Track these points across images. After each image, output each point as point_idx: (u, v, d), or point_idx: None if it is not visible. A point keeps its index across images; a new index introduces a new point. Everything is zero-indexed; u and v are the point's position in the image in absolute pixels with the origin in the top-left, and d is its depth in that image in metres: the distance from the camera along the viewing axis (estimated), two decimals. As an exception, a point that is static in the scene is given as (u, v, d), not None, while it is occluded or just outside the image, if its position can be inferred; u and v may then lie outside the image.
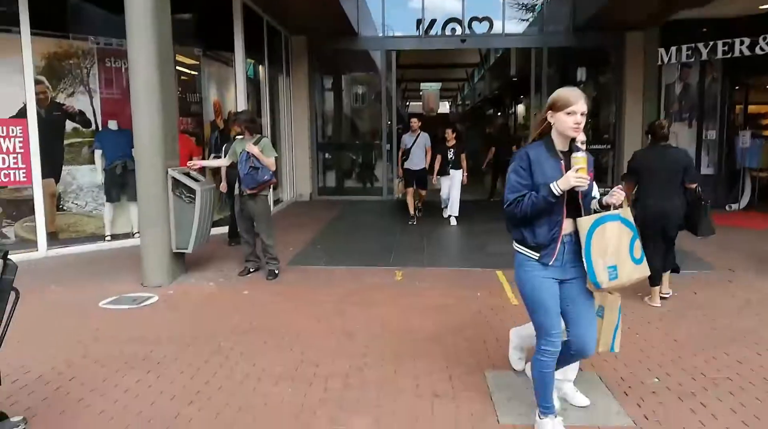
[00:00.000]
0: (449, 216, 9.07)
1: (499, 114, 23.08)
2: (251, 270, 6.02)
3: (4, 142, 6.52)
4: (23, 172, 6.68)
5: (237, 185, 5.87)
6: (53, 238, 6.99)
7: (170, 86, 5.73)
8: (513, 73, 16.21)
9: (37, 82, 6.69)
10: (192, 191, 5.58)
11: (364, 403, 3.17)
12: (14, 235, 6.77)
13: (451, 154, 8.94)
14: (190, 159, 6.21)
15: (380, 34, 12.79)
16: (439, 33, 12.21)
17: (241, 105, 8.57)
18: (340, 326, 4.41)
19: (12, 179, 6.63)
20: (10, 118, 6.57)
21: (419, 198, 9.44)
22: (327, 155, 13.30)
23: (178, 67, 7.20)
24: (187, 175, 5.71)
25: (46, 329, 4.35)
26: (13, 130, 6.56)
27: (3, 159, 6.53)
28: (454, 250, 7.55)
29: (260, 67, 10.07)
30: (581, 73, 13.43)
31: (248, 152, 5.65)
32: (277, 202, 10.78)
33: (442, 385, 3.37)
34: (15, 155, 6.60)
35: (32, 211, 6.79)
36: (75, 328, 4.35)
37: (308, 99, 12.28)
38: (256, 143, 5.73)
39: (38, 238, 6.83)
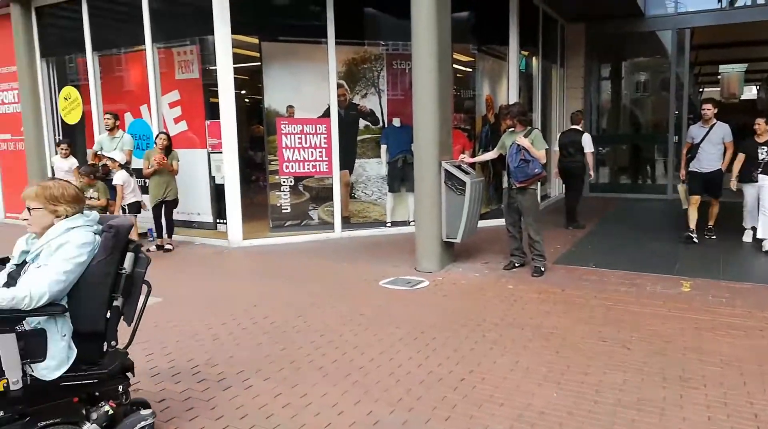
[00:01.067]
0: (760, 240, 6.49)
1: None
2: (516, 265, 5.96)
3: (313, 138, 7.71)
4: (326, 164, 7.80)
5: (506, 178, 5.86)
6: (346, 221, 8.02)
7: (447, 84, 6.01)
8: None
9: (338, 86, 7.72)
10: (463, 183, 5.76)
11: (642, 426, 2.83)
12: (317, 218, 7.97)
13: (763, 154, 6.60)
14: (463, 153, 6.42)
15: (671, 11, 11.31)
16: (748, 3, 10.23)
17: (513, 99, 8.53)
18: (613, 335, 4.05)
19: (318, 170, 7.80)
20: (317, 117, 7.74)
21: (711, 212, 7.13)
22: (601, 149, 12.38)
23: (454, 65, 7.50)
24: (459, 167, 5.92)
25: (336, 297, 4.99)
26: (319, 128, 7.71)
27: (311, 153, 7.74)
28: (764, 264, 6.24)
29: (533, 59, 9.88)
30: None
31: (518, 145, 5.59)
32: (544, 197, 10.48)
33: (744, 425, 2.81)
34: (320, 150, 7.75)
35: (331, 198, 7.89)
36: (359, 301, 4.90)
37: (583, 90, 11.60)
38: (526, 135, 5.63)
39: (335, 221, 7.91)
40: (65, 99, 8.94)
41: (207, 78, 7.66)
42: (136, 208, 6.87)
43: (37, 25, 8.97)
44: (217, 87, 7.28)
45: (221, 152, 7.41)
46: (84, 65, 8.68)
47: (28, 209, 2.42)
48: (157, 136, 7.18)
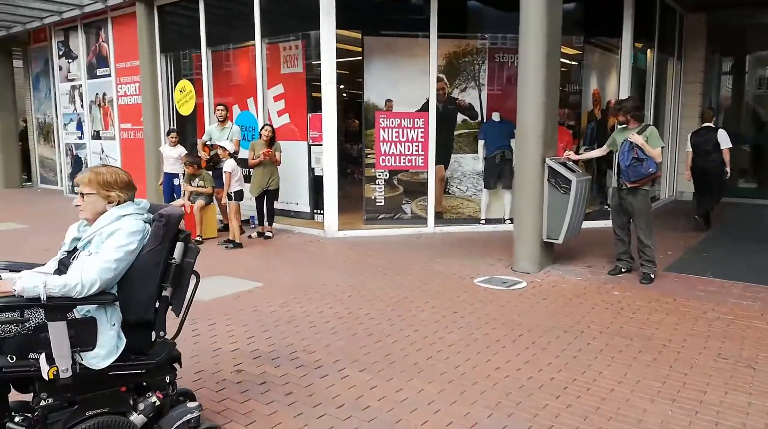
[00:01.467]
0: None
1: None
2: (623, 270, 5.60)
3: (410, 132, 7.69)
4: (421, 159, 7.75)
5: (615, 177, 5.51)
6: (439, 217, 7.94)
7: (555, 78, 5.74)
8: None
9: (438, 80, 7.63)
10: (567, 181, 5.49)
11: (774, 455, 2.53)
12: (410, 212, 7.95)
13: None
14: (567, 150, 6.13)
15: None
16: None
17: (624, 93, 8.02)
18: (734, 352, 3.68)
19: (413, 164, 7.77)
20: (415, 111, 7.70)
21: None
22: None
23: (560, 58, 7.18)
24: (564, 165, 5.64)
25: (429, 293, 4.93)
26: (417, 122, 7.67)
27: (408, 147, 7.72)
28: None
29: (648, 51, 9.24)
30: None
31: (631, 142, 5.23)
32: (653, 199, 9.78)
33: None
34: (417, 144, 7.71)
35: (425, 193, 7.83)
36: (453, 298, 4.81)
37: (702, 85, 10.70)
38: (640, 132, 5.26)
39: (428, 216, 7.86)
40: (180, 91, 9.54)
41: (310, 72, 7.86)
42: (239, 195, 7.20)
43: (158, 22, 9.62)
44: (319, 81, 7.45)
45: (321, 145, 7.57)
46: (198, 60, 9.21)
47: (81, 195, 2.41)
48: (263, 127, 7.47)
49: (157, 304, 2.41)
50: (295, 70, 8.06)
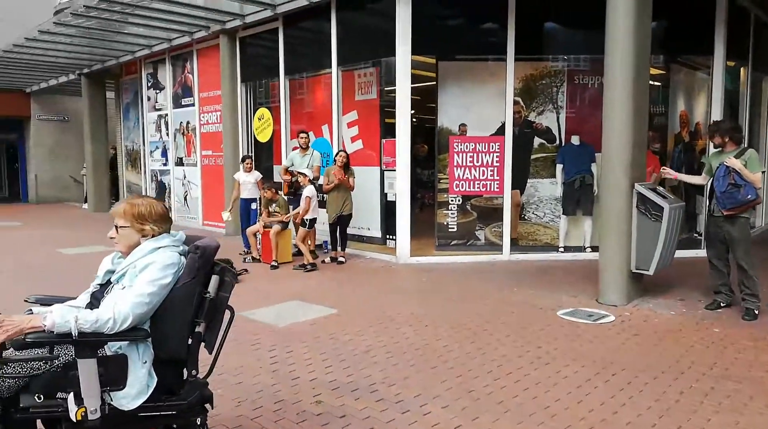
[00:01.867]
0: None
1: None
2: (722, 304, 5.16)
3: (485, 156, 7.53)
4: (497, 184, 7.57)
5: (707, 204, 5.12)
6: (514, 243, 7.68)
7: (643, 99, 5.44)
8: None
9: (514, 103, 7.47)
10: (659, 209, 5.15)
11: None
12: (484, 238, 7.74)
13: None
14: (662, 167, 5.76)
15: None
16: None
17: (716, 115, 7.53)
18: None
19: (488, 189, 7.60)
20: (490, 135, 7.55)
21: None
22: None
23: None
24: (654, 191, 5.31)
25: (510, 324, 4.71)
26: (492, 146, 7.52)
27: (482, 171, 7.56)
28: None
29: (741, 70, 8.67)
30: None
31: (727, 166, 4.84)
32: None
33: None
34: (492, 168, 7.54)
35: (500, 219, 7.62)
36: (535, 331, 4.57)
37: (802, 104, 9.92)
38: (738, 156, 4.87)
39: (503, 242, 7.63)
40: (259, 119, 9.86)
41: (384, 98, 7.91)
42: (312, 222, 7.27)
43: (239, 53, 10.05)
44: (392, 107, 7.47)
45: (394, 170, 7.56)
46: (275, 88, 9.51)
47: (116, 227, 2.34)
48: (337, 153, 7.55)
49: (189, 341, 2.28)
50: (369, 97, 8.13)
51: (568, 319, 4.94)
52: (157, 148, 12.68)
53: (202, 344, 2.32)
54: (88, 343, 2.03)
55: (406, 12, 7.16)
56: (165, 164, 12.42)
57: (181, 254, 2.32)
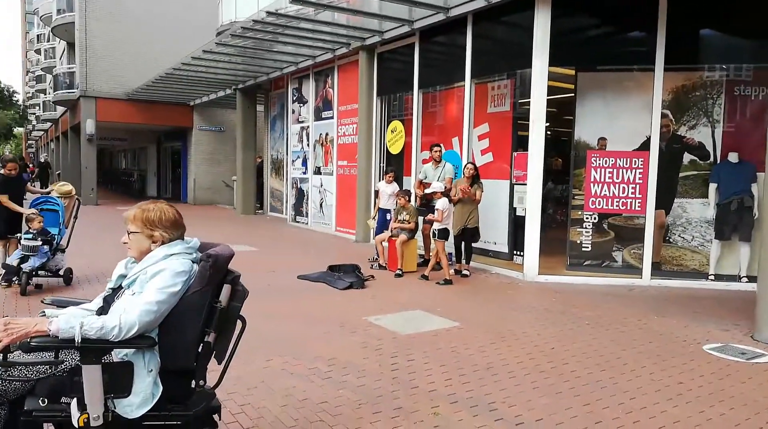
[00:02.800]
0: None
1: None
2: None
3: (626, 172, 7.06)
4: (638, 202, 7.05)
5: None
6: (656, 268, 7.10)
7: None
8: None
9: (662, 116, 6.92)
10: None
11: None
12: (621, 260, 7.24)
13: None
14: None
15: None
16: None
17: None
18: None
19: (628, 208, 7.11)
20: (633, 150, 7.06)
21: None
22: None
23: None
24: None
25: (647, 355, 4.35)
26: (635, 161, 7.03)
27: (623, 188, 7.09)
28: None
29: None
30: None
31: None
32: None
33: None
34: (633, 186, 7.05)
35: (641, 240, 7.08)
36: (677, 366, 4.17)
37: None
38: None
39: (643, 266, 7.07)
40: (392, 131, 10.15)
41: (517, 111, 7.75)
42: (444, 233, 7.29)
43: (377, 67, 10.44)
44: (525, 120, 7.29)
45: (525, 184, 7.36)
46: (410, 101, 9.73)
47: (128, 232, 2.31)
48: (465, 166, 7.52)
49: (199, 351, 2.24)
50: (502, 109, 8.02)
51: (716, 355, 4.45)
52: (298, 157, 13.55)
53: (212, 354, 2.29)
54: (93, 349, 2.01)
55: (544, 23, 6.97)
56: (304, 173, 13.23)
57: (194, 262, 2.28)
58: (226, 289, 2.26)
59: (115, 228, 13.20)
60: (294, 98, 13.65)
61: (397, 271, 7.51)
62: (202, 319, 2.20)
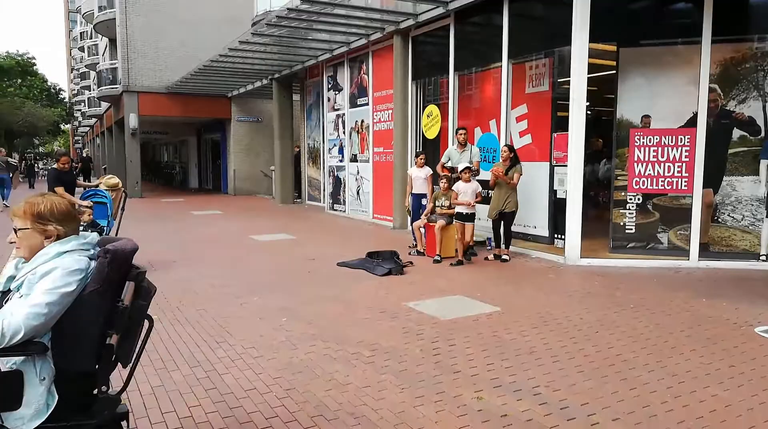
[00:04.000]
0: None
1: None
2: None
3: (672, 151, 6.83)
4: (685, 181, 6.82)
5: None
6: (704, 249, 6.88)
7: None
8: None
9: (709, 91, 6.65)
10: None
11: None
12: (667, 242, 7.04)
13: None
14: None
15: None
16: None
17: None
18: None
19: (674, 187, 6.89)
20: (679, 127, 6.82)
21: None
22: None
23: None
24: None
25: (695, 338, 4.23)
26: (681, 139, 6.79)
27: (668, 167, 6.86)
28: None
29: None
30: None
31: None
32: None
33: None
34: (680, 164, 6.82)
35: (688, 220, 6.87)
36: (727, 349, 4.04)
37: None
38: None
39: (691, 247, 6.86)
40: (428, 116, 10.08)
41: (556, 90, 7.58)
42: (467, 217, 7.24)
43: (411, 52, 10.36)
44: (565, 100, 7.12)
45: (565, 165, 7.21)
46: (445, 85, 9.63)
47: (15, 230, 2.08)
48: (502, 149, 7.42)
49: (100, 354, 2.04)
50: (541, 89, 7.85)
51: (765, 336, 4.30)
52: (334, 145, 13.62)
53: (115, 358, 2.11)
54: None
55: (584, -2, 6.77)
56: (341, 161, 13.30)
57: (91, 258, 2.09)
58: (129, 287, 2.09)
59: (162, 219, 13.56)
60: (329, 86, 13.69)
61: (436, 257, 7.50)
62: (102, 320, 2.01)
